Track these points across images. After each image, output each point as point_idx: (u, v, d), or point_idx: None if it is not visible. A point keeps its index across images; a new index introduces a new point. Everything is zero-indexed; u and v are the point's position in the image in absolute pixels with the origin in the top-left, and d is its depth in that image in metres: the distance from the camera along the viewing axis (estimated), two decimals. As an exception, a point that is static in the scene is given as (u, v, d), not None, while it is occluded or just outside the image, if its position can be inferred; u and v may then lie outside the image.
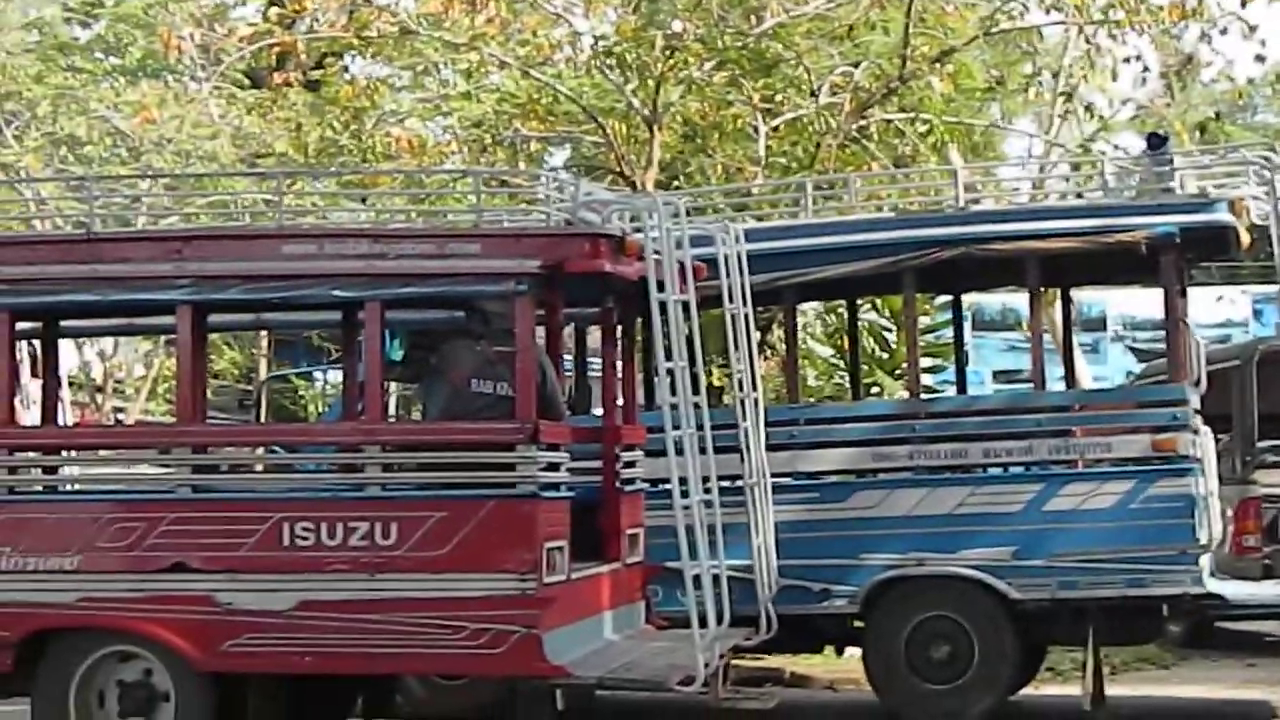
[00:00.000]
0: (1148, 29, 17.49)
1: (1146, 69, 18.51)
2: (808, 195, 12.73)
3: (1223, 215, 11.61)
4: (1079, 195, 12.95)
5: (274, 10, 20.01)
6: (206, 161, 19.33)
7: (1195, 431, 11.44)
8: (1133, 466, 11.49)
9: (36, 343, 12.06)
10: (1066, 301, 13.68)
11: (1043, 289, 12.37)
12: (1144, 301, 28.70)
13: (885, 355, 17.80)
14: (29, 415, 14.00)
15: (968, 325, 15.97)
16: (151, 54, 23.43)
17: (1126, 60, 17.90)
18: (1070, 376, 13.56)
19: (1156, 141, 12.04)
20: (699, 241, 10.18)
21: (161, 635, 9.44)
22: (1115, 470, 11.57)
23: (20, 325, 10.28)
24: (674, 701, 10.81)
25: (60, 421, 11.65)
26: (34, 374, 14.60)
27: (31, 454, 10.38)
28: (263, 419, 20.35)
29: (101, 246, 9.79)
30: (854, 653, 12.51)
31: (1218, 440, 12.13)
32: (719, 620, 9.34)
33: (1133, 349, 30.73)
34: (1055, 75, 19.27)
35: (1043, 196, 14.48)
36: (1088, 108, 18.47)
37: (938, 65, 18.07)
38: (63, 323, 11.03)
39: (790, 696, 12.91)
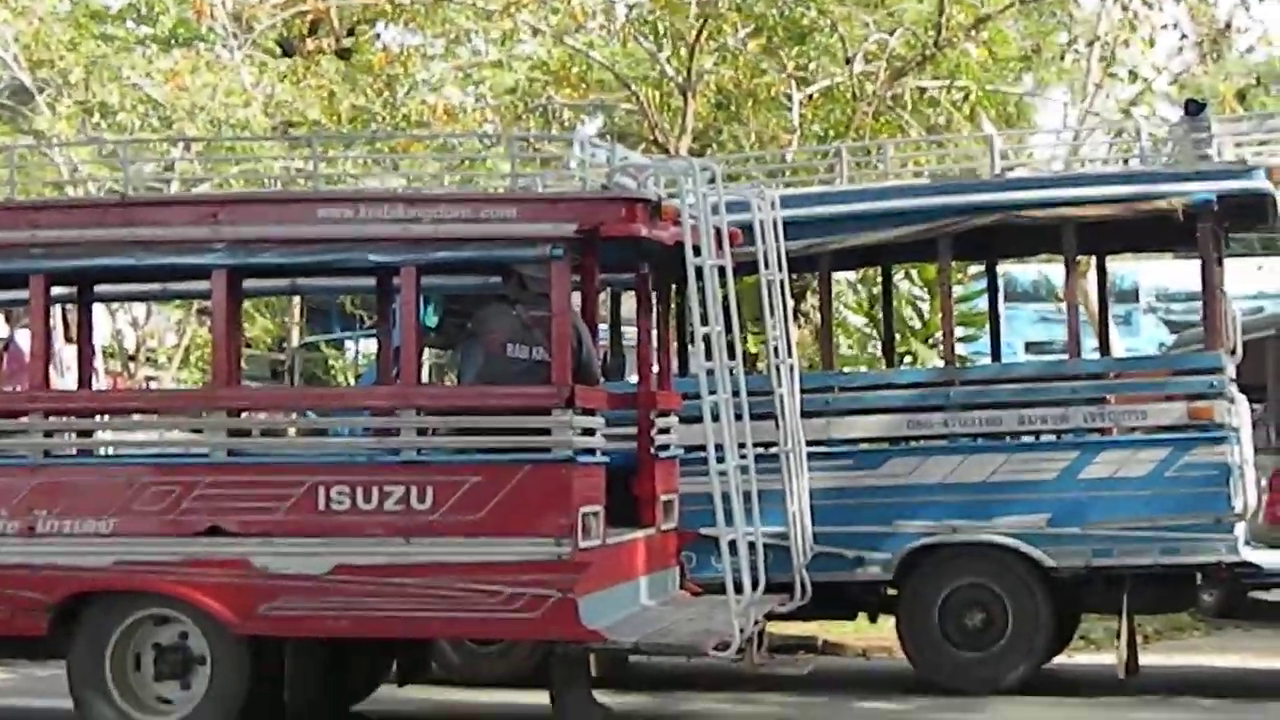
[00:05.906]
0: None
1: (1184, 36, 18.38)
2: (843, 162, 12.68)
3: (1260, 182, 11.51)
4: (1124, 161, 12.85)
5: (306, -22, 20.01)
6: (239, 129, 19.26)
7: (1231, 400, 11.38)
8: (1168, 434, 11.45)
9: (70, 308, 12.05)
10: (1102, 270, 13.59)
11: (1078, 257, 12.31)
12: (1177, 273, 28.58)
13: (919, 324, 17.76)
14: (63, 381, 14.03)
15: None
16: (184, 22, 23.37)
17: (1164, 27, 17.80)
18: (1105, 345, 13.49)
19: (1194, 108, 11.89)
20: (735, 207, 10.14)
21: (198, 598, 9.42)
22: (1150, 438, 11.52)
23: (55, 290, 10.27)
24: (708, 667, 10.79)
25: (95, 386, 11.65)
26: (68, 339, 14.61)
27: (67, 418, 10.35)
28: (296, 386, 20.41)
29: (137, 210, 9.81)
30: (888, 620, 12.48)
31: (1253, 410, 12.07)
32: (754, 587, 9.32)
33: (1166, 321, 30.61)
34: (1090, 44, 19.14)
35: (1078, 164, 14.37)
36: (1131, 72, 18.33)
37: (973, 33, 18.01)
38: (97, 288, 11.04)
39: (824, 664, 12.88)
